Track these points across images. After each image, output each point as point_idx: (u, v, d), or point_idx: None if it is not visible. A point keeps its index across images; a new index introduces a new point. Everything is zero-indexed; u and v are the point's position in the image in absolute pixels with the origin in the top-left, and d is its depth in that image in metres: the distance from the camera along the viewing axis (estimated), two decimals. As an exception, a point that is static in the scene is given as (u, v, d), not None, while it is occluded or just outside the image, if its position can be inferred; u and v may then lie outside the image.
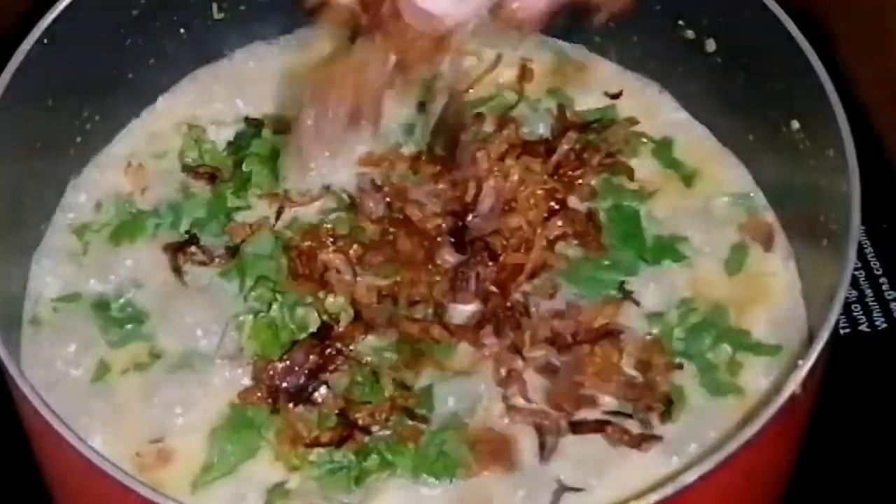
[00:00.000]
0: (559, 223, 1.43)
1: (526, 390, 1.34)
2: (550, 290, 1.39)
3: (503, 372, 1.35)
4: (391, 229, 1.41)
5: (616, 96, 1.56)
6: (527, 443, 1.32)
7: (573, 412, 1.33)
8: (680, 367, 1.36)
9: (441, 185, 1.44)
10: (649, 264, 1.44)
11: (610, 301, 1.40)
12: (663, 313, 1.40)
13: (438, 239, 1.40)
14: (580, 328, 1.37)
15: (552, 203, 1.44)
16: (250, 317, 1.38)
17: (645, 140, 1.52)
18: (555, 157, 1.46)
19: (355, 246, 1.40)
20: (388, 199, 1.44)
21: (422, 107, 1.53)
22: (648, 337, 1.37)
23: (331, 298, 1.37)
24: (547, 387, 1.34)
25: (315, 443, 1.30)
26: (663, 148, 1.52)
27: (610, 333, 1.36)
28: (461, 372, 1.35)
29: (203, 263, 1.44)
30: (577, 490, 1.29)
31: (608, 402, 1.34)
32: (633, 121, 1.53)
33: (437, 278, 1.38)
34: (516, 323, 1.37)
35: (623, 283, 1.41)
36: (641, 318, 1.39)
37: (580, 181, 1.47)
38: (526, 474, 1.31)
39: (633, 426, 1.33)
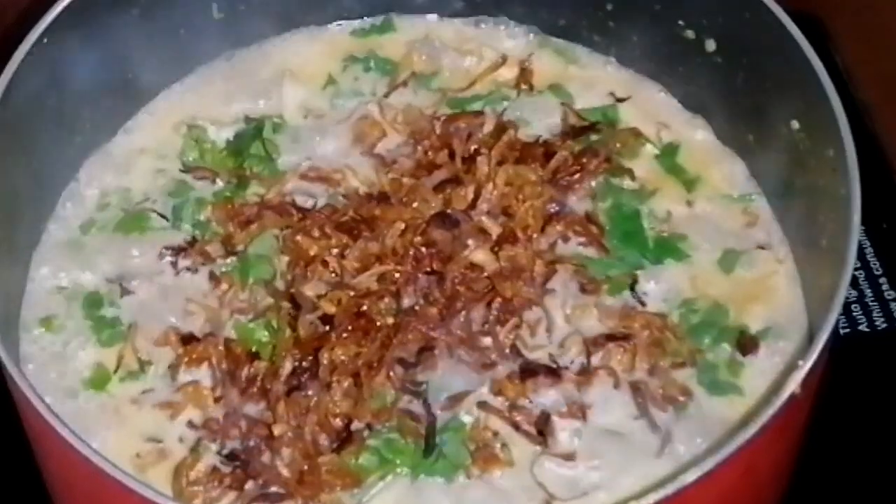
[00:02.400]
0: (558, 227, 1.42)
1: (527, 392, 1.34)
2: (557, 293, 1.40)
3: (505, 373, 1.35)
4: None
5: (622, 100, 1.56)
6: (527, 444, 1.32)
7: (579, 417, 1.33)
8: (683, 365, 1.36)
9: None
10: (651, 264, 1.44)
11: (616, 305, 1.40)
12: (666, 315, 1.40)
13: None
14: (586, 331, 1.38)
15: (550, 206, 1.44)
16: (243, 318, 1.38)
17: (646, 143, 1.52)
18: (552, 163, 1.46)
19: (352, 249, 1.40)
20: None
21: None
22: (652, 339, 1.37)
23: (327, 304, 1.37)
24: (550, 389, 1.34)
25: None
26: (667, 155, 1.52)
27: (616, 338, 1.37)
28: (462, 373, 1.34)
29: (202, 264, 1.44)
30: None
31: (614, 403, 1.34)
32: (636, 132, 1.52)
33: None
34: (515, 325, 1.37)
35: (634, 284, 1.41)
36: (646, 318, 1.39)
37: (577, 186, 1.47)
38: (525, 475, 1.31)
39: (640, 427, 1.33)
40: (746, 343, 1.38)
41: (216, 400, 1.34)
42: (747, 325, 1.40)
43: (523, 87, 1.57)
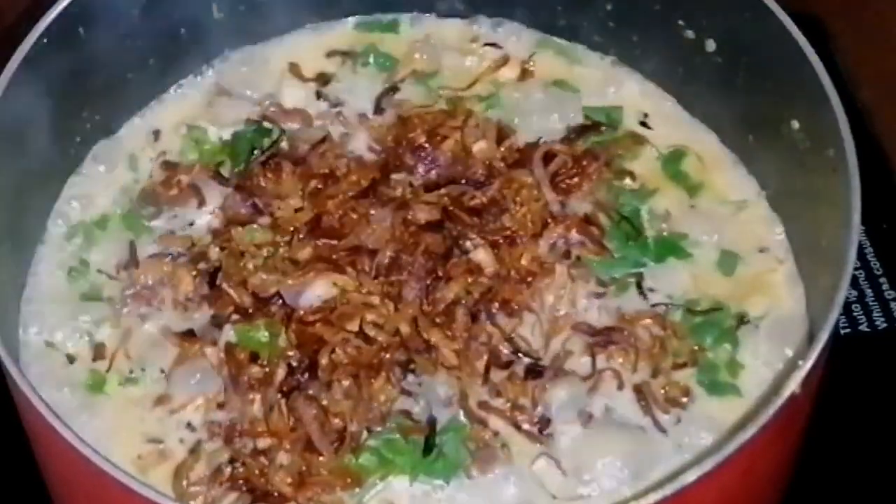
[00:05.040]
0: (558, 229, 1.42)
1: (528, 392, 1.34)
2: (557, 294, 1.40)
3: (505, 374, 1.35)
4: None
5: (647, 125, 1.55)
6: (527, 444, 1.32)
7: (580, 417, 1.33)
8: (684, 365, 1.36)
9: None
10: (654, 262, 1.43)
11: (618, 306, 1.40)
12: (667, 314, 1.40)
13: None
14: (587, 332, 1.38)
15: (550, 207, 1.44)
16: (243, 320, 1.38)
17: (650, 147, 1.52)
18: (552, 166, 1.46)
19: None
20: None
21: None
22: (654, 340, 1.37)
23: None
24: (552, 390, 1.34)
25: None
26: (671, 161, 1.51)
27: (618, 339, 1.37)
28: (462, 374, 1.34)
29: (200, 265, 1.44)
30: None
31: (617, 404, 1.35)
32: (640, 139, 1.52)
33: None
34: (516, 326, 1.37)
35: (640, 282, 1.42)
36: (648, 319, 1.39)
37: (576, 189, 1.46)
38: (525, 475, 1.31)
39: (643, 427, 1.33)
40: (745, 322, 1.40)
41: (219, 405, 1.34)
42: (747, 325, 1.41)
43: (524, 86, 1.57)
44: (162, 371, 1.38)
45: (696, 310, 1.40)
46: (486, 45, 1.61)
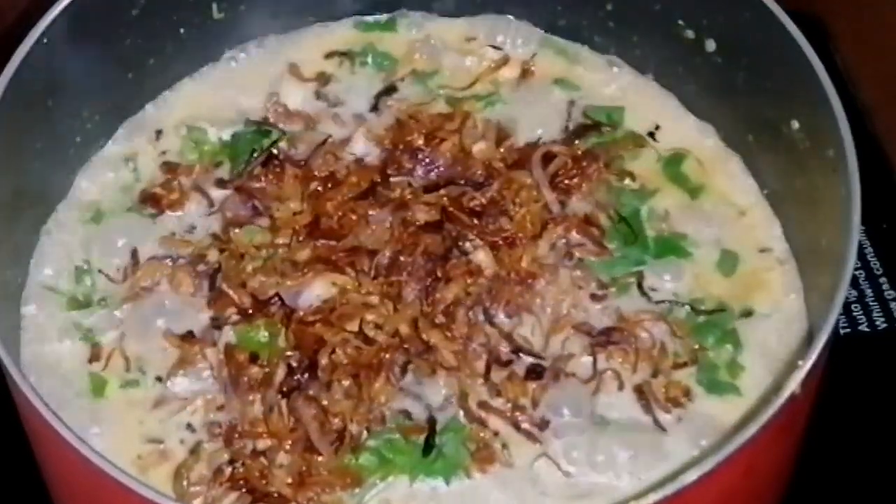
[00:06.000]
0: (558, 229, 1.42)
1: (528, 393, 1.34)
2: (558, 294, 1.39)
3: (505, 374, 1.35)
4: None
5: (653, 135, 1.55)
6: (527, 444, 1.32)
7: (581, 417, 1.33)
8: (685, 364, 1.37)
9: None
10: (654, 262, 1.43)
11: (618, 307, 1.40)
12: (668, 314, 1.40)
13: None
14: (587, 332, 1.38)
15: (550, 207, 1.44)
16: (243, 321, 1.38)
17: (650, 148, 1.52)
18: (551, 167, 1.46)
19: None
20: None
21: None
22: (655, 341, 1.37)
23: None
24: (552, 390, 1.34)
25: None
26: (672, 164, 1.51)
27: (619, 339, 1.37)
28: (462, 375, 1.34)
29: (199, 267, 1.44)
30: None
31: (617, 404, 1.35)
32: (640, 141, 1.52)
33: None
34: (516, 326, 1.37)
35: (641, 281, 1.41)
36: (649, 319, 1.39)
37: (576, 190, 1.46)
38: (525, 475, 1.31)
39: (643, 427, 1.33)
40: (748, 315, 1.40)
41: (219, 407, 1.34)
42: (747, 324, 1.40)
43: (524, 86, 1.57)
44: (158, 378, 1.38)
45: (701, 309, 1.40)
46: (487, 45, 1.61)
